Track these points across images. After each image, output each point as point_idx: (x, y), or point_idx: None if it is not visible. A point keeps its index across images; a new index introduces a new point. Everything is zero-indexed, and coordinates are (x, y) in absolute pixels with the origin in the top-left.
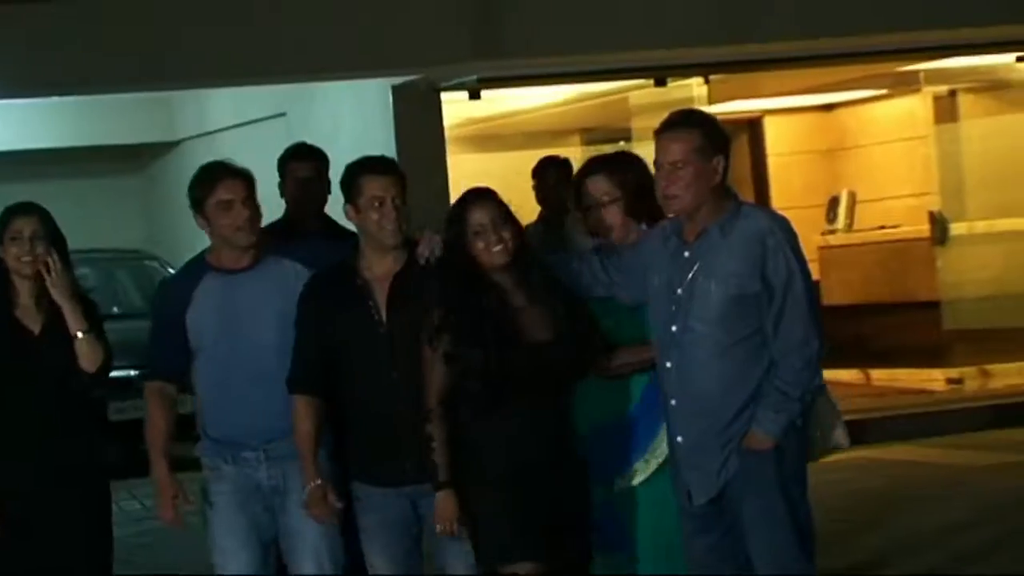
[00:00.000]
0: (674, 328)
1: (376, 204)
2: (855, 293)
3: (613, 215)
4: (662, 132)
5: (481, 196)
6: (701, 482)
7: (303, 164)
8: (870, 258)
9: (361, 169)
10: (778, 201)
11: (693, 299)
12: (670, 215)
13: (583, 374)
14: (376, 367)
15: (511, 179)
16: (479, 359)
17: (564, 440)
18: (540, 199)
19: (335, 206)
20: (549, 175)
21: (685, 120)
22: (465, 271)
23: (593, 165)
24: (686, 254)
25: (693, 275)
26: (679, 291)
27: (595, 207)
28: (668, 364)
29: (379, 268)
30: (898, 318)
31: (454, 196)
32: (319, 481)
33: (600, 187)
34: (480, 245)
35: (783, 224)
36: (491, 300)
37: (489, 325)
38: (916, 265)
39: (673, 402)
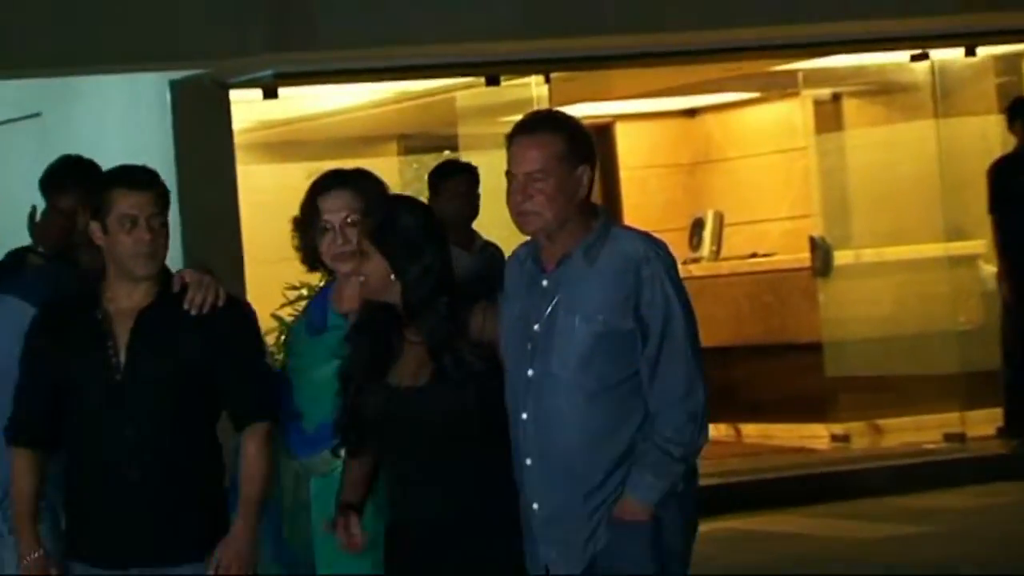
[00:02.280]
0: (530, 372)
1: (127, 224)
2: (723, 333)
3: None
4: (517, 136)
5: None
6: (563, 557)
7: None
8: (740, 291)
9: (111, 182)
10: (632, 223)
11: (553, 337)
12: (526, 233)
13: (478, 426)
14: (107, 421)
15: None
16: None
17: (464, 502)
18: (450, 212)
19: None
20: (459, 183)
21: (545, 122)
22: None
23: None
24: (544, 283)
25: (553, 308)
26: (536, 327)
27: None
28: (523, 415)
29: (125, 301)
30: (773, 363)
31: (245, 210)
32: (39, 552)
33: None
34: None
35: (660, 249)
36: (371, 333)
37: (360, 362)
38: (794, 300)
39: (528, 461)
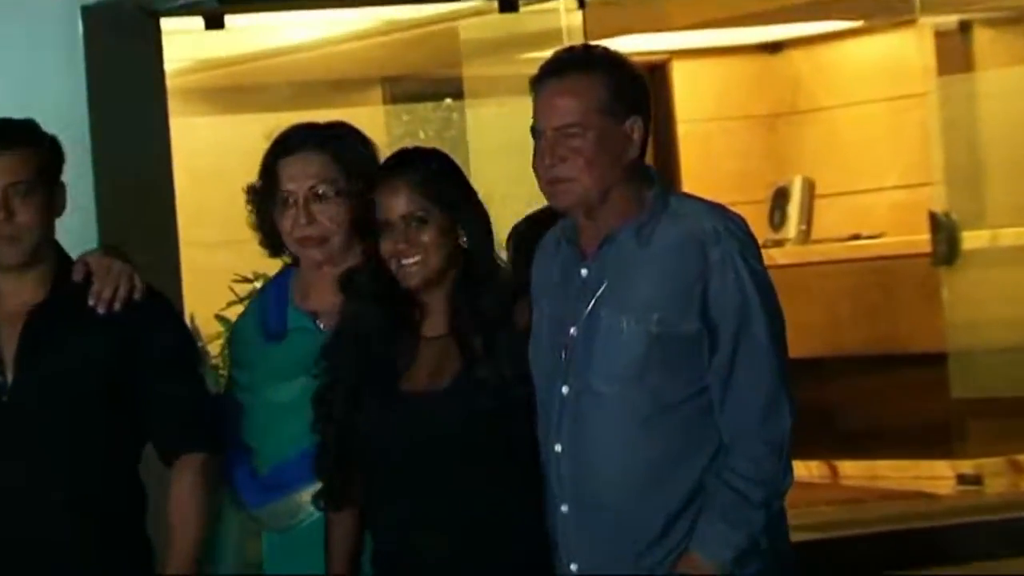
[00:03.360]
0: (565, 390)
1: None
2: (814, 340)
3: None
4: (544, 80)
5: (401, 170)
6: None
7: None
8: (837, 285)
9: None
10: (691, 191)
11: (595, 344)
12: (560, 209)
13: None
14: None
15: None
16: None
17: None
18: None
19: None
20: None
21: (581, 61)
22: (374, 285)
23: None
24: (583, 273)
25: (594, 306)
26: (572, 331)
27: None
28: (556, 447)
29: (11, 299)
30: (881, 380)
31: (181, 177)
32: None
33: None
34: (388, 246)
35: (735, 225)
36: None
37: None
38: (909, 297)
39: (564, 508)
